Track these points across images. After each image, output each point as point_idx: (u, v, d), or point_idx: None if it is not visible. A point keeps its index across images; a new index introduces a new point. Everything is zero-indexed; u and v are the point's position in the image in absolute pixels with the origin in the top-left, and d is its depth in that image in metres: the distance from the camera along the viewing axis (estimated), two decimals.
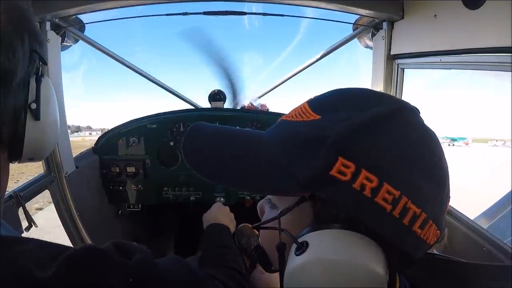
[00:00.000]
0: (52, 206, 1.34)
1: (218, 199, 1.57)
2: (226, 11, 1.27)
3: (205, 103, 1.75)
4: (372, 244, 0.30)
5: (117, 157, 1.58)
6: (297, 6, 1.25)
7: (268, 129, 0.40)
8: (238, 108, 1.78)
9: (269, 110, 1.74)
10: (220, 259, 0.68)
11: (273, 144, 0.36)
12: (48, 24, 1.15)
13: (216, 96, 1.70)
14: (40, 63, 0.41)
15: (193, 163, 0.39)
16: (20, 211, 1.06)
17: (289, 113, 0.37)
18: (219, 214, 0.94)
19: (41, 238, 0.35)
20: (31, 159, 0.42)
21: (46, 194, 1.27)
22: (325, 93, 0.37)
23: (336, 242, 0.30)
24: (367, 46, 1.48)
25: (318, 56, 1.63)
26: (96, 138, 1.69)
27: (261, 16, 1.42)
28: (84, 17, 1.33)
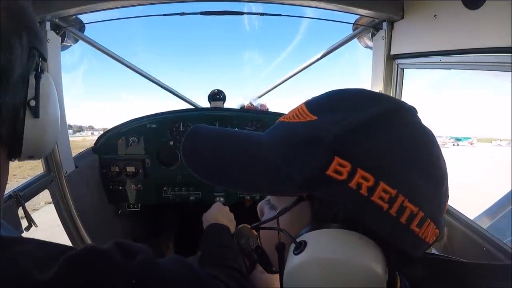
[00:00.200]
0: (48, 207, 1.34)
1: (218, 199, 1.57)
2: (224, 11, 1.27)
3: (205, 103, 1.76)
4: (370, 243, 0.30)
5: (117, 156, 1.58)
6: (297, 6, 1.25)
7: (266, 131, 0.40)
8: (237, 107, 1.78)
9: (269, 110, 1.74)
10: (220, 259, 0.68)
11: (271, 146, 0.36)
12: (48, 24, 1.15)
13: (215, 95, 1.70)
14: (40, 59, 0.41)
15: (191, 164, 0.40)
16: (20, 211, 1.06)
17: (287, 114, 0.38)
18: (219, 214, 0.94)
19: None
20: (31, 157, 0.42)
21: (40, 197, 1.26)
22: (322, 94, 0.37)
23: (334, 241, 0.30)
24: (367, 46, 1.48)
25: (318, 56, 1.63)
26: None
27: (261, 16, 1.42)
28: (84, 17, 1.33)
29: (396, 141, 0.31)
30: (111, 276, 0.33)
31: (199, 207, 1.23)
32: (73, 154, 1.44)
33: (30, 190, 1.14)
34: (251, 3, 1.30)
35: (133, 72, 1.67)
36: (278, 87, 1.85)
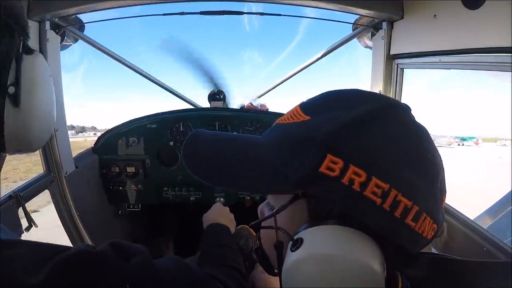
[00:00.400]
0: (46, 209, 1.34)
1: (218, 199, 1.57)
2: (223, 10, 1.27)
3: (205, 103, 1.76)
4: (365, 238, 0.30)
5: (117, 157, 1.58)
6: (297, 6, 1.25)
7: (264, 133, 0.41)
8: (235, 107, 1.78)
9: (269, 110, 1.74)
10: (219, 259, 0.68)
11: (268, 147, 0.37)
12: (47, 24, 1.15)
13: (215, 95, 1.70)
14: (22, 39, 0.36)
15: (191, 166, 0.40)
16: (20, 211, 1.06)
17: (283, 116, 0.39)
18: (219, 214, 0.94)
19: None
20: (19, 151, 0.38)
21: (38, 199, 1.26)
22: (316, 95, 0.38)
23: (329, 237, 0.30)
24: (366, 46, 1.48)
25: (318, 56, 1.63)
26: None
27: (261, 16, 1.42)
28: (83, 17, 1.33)
29: (387, 137, 0.31)
30: (105, 280, 0.32)
31: (199, 207, 1.23)
32: (74, 155, 1.44)
33: (30, 190, 1.14)
34: (251, 3, 1.30)
35: (133, 72, 1.67)
36: (278, 87, 1.85)
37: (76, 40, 1.39)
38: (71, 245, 0.53)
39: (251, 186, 0.38)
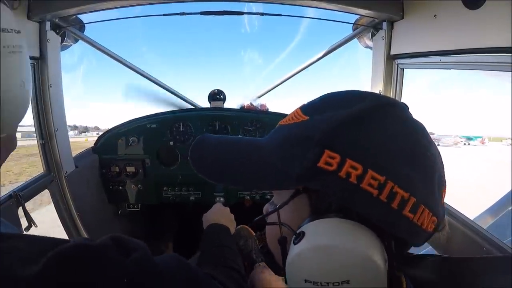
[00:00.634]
0: (43, 209, 1.34)
1: (218, 199, 1.57)
2: (224, 11, 1.27)
3: (205, 103, 1.76)
4: (365, 229, 0.31)
5: (117, 156, 1.58)
6: (297, 6, 1.25)
7: (268, 134, 0.43)
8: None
9: (269, 110, 1.74)
10: (219, 259, 0.68)
11: (270, 149, 0.39)
12: (48, 24, 1.16)
13: (215, 95, 1.70)
14: None
15: (199, 170, 0.43)
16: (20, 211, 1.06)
17: (285, 118, 0.40)
18: (219, 214, 0.94)
19: None
20: None
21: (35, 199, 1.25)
22: (316, 98, 0.40)
23: (330, 229, 0.32)
24: (367, 46, 1.48)
25: (318, 56, 1.63)
26: None
27: (261, 16, 1.42)
28: (83, 17, 1.33)
29: (383, 132, 0.33)
30: (104, 272, 0.32)
31: (199, 207, 1.23)
32: (75, 155, 1.44)
33: (30, 190, 1.14)
34: (251, 3, 1.30)
35: (134, 72, 1.67)
36: (278, 87, 1.85)
37: (76, 41, 1.39)
38: None
39: (254, 186, 0.43)
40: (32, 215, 1.09)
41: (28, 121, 1.25)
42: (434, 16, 1.03)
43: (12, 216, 1.02)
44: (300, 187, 0.35)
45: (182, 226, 2.04)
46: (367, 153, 0.31)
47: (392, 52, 1.29)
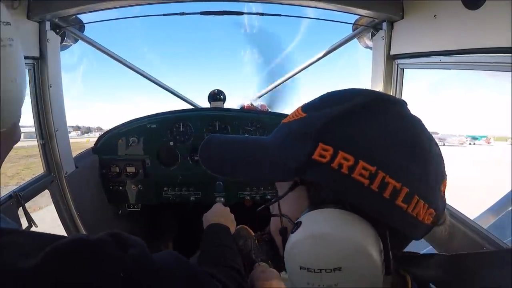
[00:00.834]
0: (41, 211, 1.33)
1: (218, 199, 1.57)
2: (224, 11, 1.28)
3: (205, 103, 1.76)
4: (358, 219, 0.33)
5: (117, 157, 1.58)
6: (297, 6, 1.25)
7: (271, 133, 0.45)
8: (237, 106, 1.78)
9: (269, 110, 1.74)
10: (219, 259, 0.68)
11: (273, 147, 0.40)
12: (48, 24, 1.16)
13: (216, 96, 1.70)
14: None
15: (209, 168, 0.46)
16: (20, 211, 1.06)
17: (287, 116, 0.42)
18: (220, 214, 0.94)
19: None
20: None
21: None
22: (316, 97, 0.42)
23: (324, 219, 0.33)
24: (367, 46, 1.48)
25: (318, 56, 1.63)
26: None
27: (261, 16, 1.42)
28: (83, 17, 1.33)
29: (375, 125, 0.34)
30: (101, 267, 0.32)
31: (199, 207, 1.23)
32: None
33: (30, 190, 1.14)
34: (251, 3, 1.30)
35: (134, 72, 1.67)
36: (278, 87, 1.85)
37: (76, 41, 1.40)
38: None
39: (259, 181, 0.50)
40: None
41: (29, 121, 1.25)
42: (434, 16, 1.03)
43: (12, 216, 1.02)
44: (298, 179, 0.37)
45: (182, 226, 2.04)
46: (359, 145, 0.32)
47: (392, 52, 1.29)
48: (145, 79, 1.71)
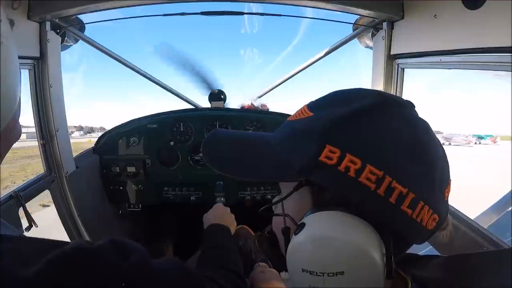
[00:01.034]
0: (40, 212, 1.32)
1: (218, 199, 1.57)
2: (224, 11, 1.28)
3: (205, 103, 1.76)
4: (362, 223, 0.32)
5: (117, 157, 1.58)
6: (297, 6, 1.25)
7: (276, 129, 0.44)
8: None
9: (269, 110, 1.74)
10: (218, 261, 0.68)
11: (277, 143, 0.40)
12: (48, 24, 1.16)
13: (216, 96, 1.70)
14: None
15: (211, 163, 0.45)
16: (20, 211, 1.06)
17: (293, 114, 0.42)
18: (220, 214, 0.94)
19: None
20: None
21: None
22: (323, 95, 0.41)
23: (328, 221, 0.33)
24: (367, 46, 1.48)
25: (319, 56, 1.63)
26: None
27: (261, 16, 1.42)
28: (84, 17, 1.33)
29: (383, 129, 0.33)
30: (100, 276, 0.32)
31: (199, 207, 1.23)
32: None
33: (30, 190, 1.14)
34: (251, 3, 1.30)
35: (134, 72, 1.67)
36: (279, 87, 1.85)
37: (76, 41, 1.40)
38: None
39: (261, 177, 0.46)
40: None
41: (31, 122, 1.25)
42: (434, 16, 1.03)
43: (12, 217, 1.02)
44: (303, 179, 0.36)
45: (182, 226, 2.04)
46: (367, 149, 0.32)
47: (392, 52, 1.29)
48: (145, 79, 1.71)
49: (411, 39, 1.20)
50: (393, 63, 1.32)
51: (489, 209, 1.25)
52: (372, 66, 1.40)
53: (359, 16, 1.35)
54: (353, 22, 1.40)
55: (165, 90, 1.79)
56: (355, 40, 1.51)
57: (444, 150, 0.36)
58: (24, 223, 1.07)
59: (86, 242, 0.36)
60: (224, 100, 1.70)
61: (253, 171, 0.42)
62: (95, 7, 1.16)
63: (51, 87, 1.21)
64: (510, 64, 0.82)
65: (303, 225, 0.34)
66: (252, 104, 1.74)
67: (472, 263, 0.40)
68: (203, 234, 0.85)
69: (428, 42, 1.10)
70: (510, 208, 1.23)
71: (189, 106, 1.81)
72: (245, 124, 1.58)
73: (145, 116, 1.60)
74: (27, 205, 1.08)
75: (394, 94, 1.34)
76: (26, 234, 1.06)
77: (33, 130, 1.26)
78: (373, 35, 1.37)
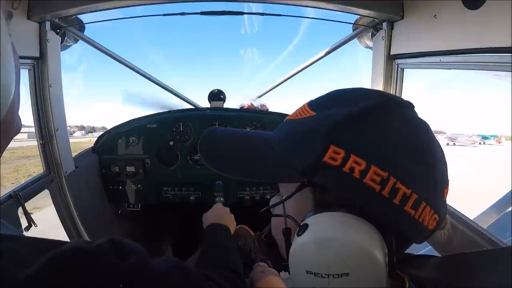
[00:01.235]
0: (38, 213, 1.32)
1: (217, 198, 1.57)
2: (224, 11, 1.28)
3: (205, 103, 1.76)
4: (366, 224, 0.32)
5: (117, 156, 1.58)
6: (297, 6, 1.25)
7: (276, 129, 0.44)
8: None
9: (269, 110, 1.73)
10: (218, 260, 0.68)
11: (278, 143, 0.40)
12: (48, 24, 1.16)
13: (216, 95, 1.70)
14: None
15: (207, 160, 0.44)
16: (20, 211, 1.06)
17: (293, 113, 0.41)
18: (220, 214, 0.94)
19: None
20: None
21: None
22: (323, 94, 0.41)
23: (332, 223, 0.33)
24: (367, 46, 1.48)
25: (318, 56, 1.63)
26: None
27: (261, 16, 1.42)
28: (83, 17, 1.33)
29: (387, 130, 0.33)
30: (98, 277, 0.32)
31: (199, 207, 1.23)
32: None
33: (30, 190, 1.14)
34: (251, 3, 1.30)
35: (134, 72, 1.67)
36: (279, 87, 1.85)
37: (76, 41, 1.40)
38: None
39: (260, 177, 0.43)
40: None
41: (30, 122, 1.25)
42: (434, 16, 1.03)
43: (12, 216, 1.02)
44: (305, 180, 0.36)
45: (182, 226, 2.04)
46: (371, 149, 0.32)
47: (392, 52, 1.29)
48: (145, 79, 1.71)
49: (411, 39, 1.20)
50: (392, 63, 1.32)
51: (488, 209, 1.25)
52: (372, 66, 1.40)
53: (359, 16, 1.35)
54: (353, 22, 1.40)
55: (165, 90, 1.79)
56: (355, 40, 1.51)
57: (443, 151, 0.36)
58: (24, 222, 1.07)
59: (85, 241, 0.36)
60: (224, 100, 1.70)
61: (252, 171, 0.41)
62: (95, 7, 1.16)
63: (50, 87, 1.20)
64: (510, 64, 0.82)
65: (306, 226, 0.34)
66: (251, 104, 1.74)
67: (469, 262, 0.40)
68: (203, 233, 0.85)
69: (428, 42, 1.10)
70: (510, 208, 1.23)
71: (189, 106, 1.81)
72: (245, 124, 1.58)
73: (144, 116, 1.60)
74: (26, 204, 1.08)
75: (394, 94, 1.34)
76: (25, 233, 1.06)
77: (32, 130, 1.26)
78: (373, 35, 1.36)
